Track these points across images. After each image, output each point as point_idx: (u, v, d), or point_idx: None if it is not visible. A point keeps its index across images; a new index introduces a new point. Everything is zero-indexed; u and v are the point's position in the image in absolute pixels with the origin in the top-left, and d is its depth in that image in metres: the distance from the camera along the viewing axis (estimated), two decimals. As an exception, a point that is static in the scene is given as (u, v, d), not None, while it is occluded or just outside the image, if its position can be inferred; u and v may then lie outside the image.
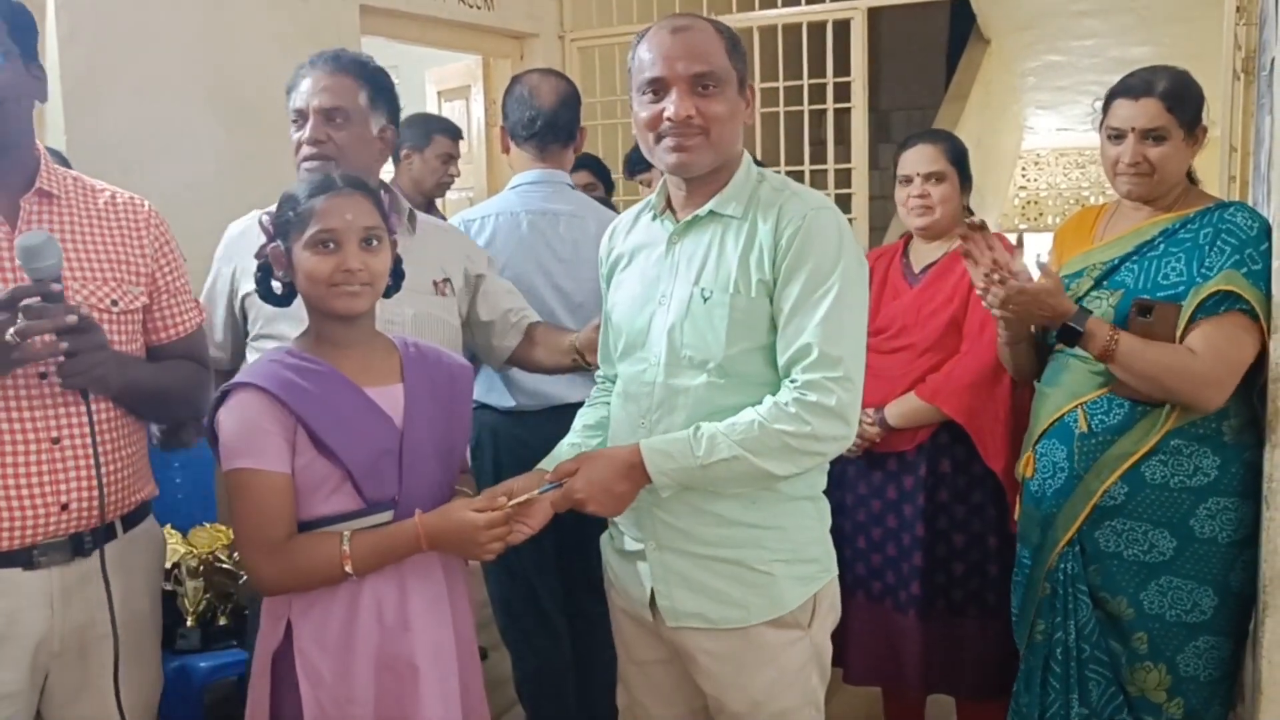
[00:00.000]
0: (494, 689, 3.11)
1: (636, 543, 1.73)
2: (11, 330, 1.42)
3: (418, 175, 3.49)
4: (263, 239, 1.67)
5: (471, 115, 4.48)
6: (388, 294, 1.71)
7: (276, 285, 1.68)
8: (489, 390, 2.54)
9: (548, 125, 2.54)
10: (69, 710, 1.67)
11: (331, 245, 1.58)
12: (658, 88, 1.62)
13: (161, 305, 1.75)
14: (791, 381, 1.57)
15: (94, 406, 1.59)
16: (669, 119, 1.61)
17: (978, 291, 2.14)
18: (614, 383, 1.85)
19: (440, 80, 4.66)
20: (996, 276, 2.05)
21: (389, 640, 1.59)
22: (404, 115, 3.42)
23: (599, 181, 3.55)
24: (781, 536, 1.67)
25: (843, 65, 3.97)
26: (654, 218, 1.75)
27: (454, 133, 3.58)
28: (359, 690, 1.57)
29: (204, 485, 2.90)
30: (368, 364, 1.65)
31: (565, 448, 1.83)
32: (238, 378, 1.59)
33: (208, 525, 2.76)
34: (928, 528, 2.45)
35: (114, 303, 1.65)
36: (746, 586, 1.66)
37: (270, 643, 1.61)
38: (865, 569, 2.54)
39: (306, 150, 1.98)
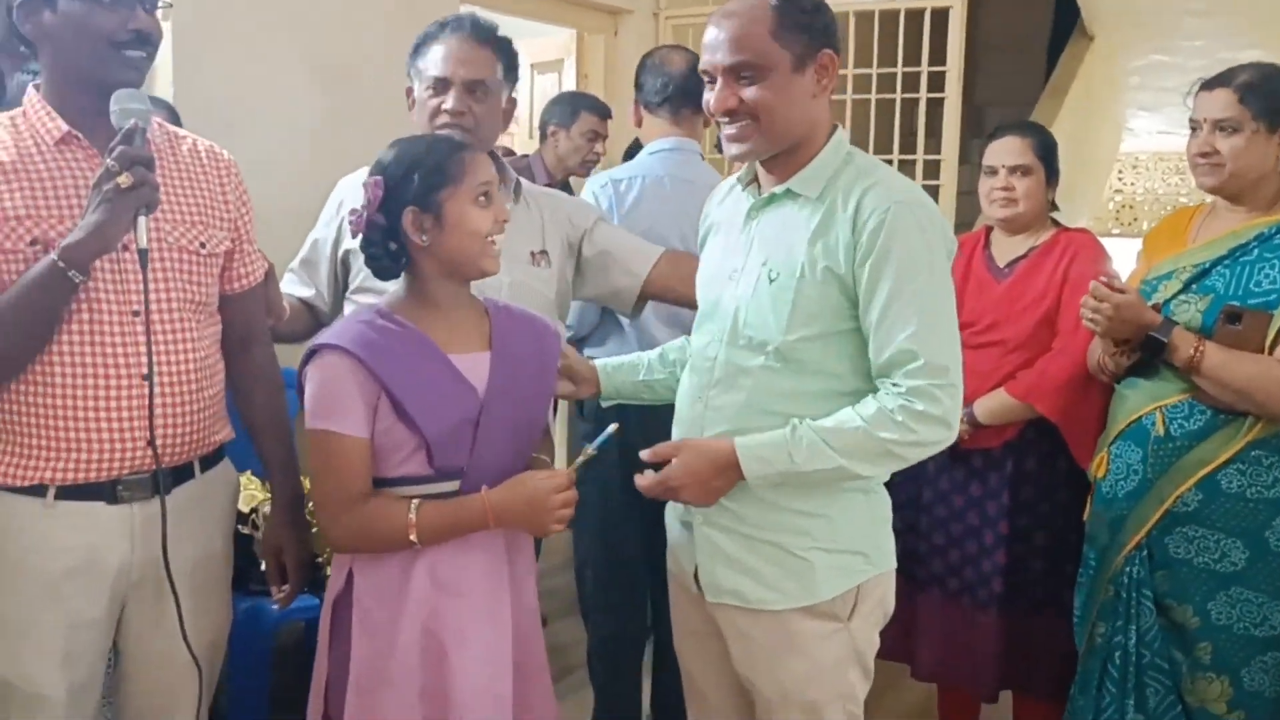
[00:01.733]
0: (550, 657, 3.17)
1: (688, 514, 1.75)
2: (126, 174, 1.46)
3: (563, 152, 3.53)
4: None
5: (563, 88, 4.51)
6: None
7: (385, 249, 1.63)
8: (616, 351, 2.54)
9: (679, 90, 2.58)
10: (144, 642, 1.71)
11: (486, 199, 1.62)
12: (708, 78, 1.64)
13: (240, 254, 1.79)
14: (895, 386, 1.54)
15: (185, 347, 1.65)
16: (710, 111, 1.63)
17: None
18: None
19: (533, 53, 4.70)
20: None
21: (442, 604, 1.60)
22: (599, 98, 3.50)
23: None
24: (826, 525, 1.65)
25: (939, 55, 3.91)
26: (743, 189, 1.75)
27: (601, 110, 3.61)
28: (401, 648, 1.58)
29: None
30: (458, 329, 1.65)
31: (619, 365, 1.91)
32: (326, 337, 1.60)
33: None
34: (1011, 525, 2.43)
35: (202, 245, 1.69)
36: (783, 570, 1.66)
37: (334, 589, 1.66)
38: (942, 565, 2.53)
39: (445, 119, 1.98)
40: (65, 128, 1.59)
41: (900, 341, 1.54)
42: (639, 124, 2.70)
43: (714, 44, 1.61)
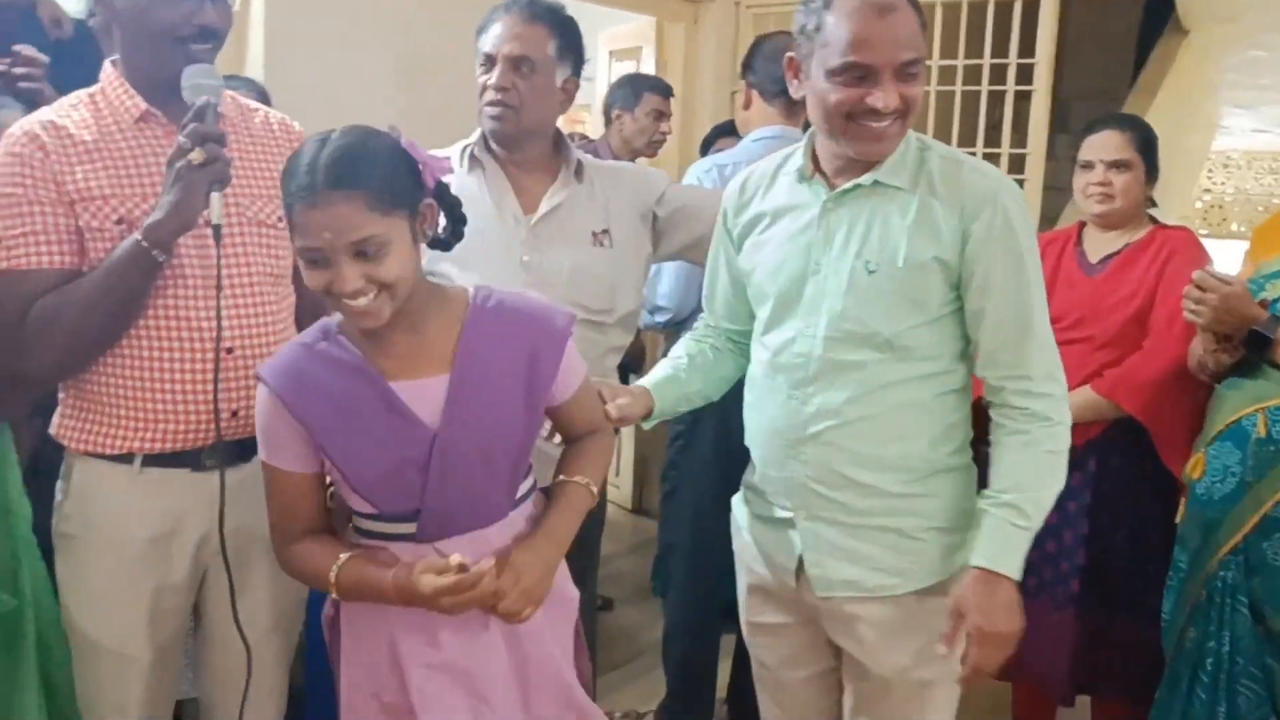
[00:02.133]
0: (616, 641, 3.19)
1: (786, 511, 1.72)
2: (198, 151, 1.50)
3: (628, 134, 3.53)
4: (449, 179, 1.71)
5: (642, 77, 4.50)
6: (446, 246, 1.58)
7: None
8: None
9: None
10: (223, 608, 1.71)
11: (320, 263, 1.38)
12: (863, 73, 1.53)
13: None
14: (1018, 394, 1.61)
15: (263, 319, 1.68)
16: (878, 109, 1.54)
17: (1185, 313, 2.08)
18: (718, 334, 1.89)
19: (612, 40, 4.70)
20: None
21: (409, 659, 1.50)
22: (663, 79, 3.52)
23: None
24: (935, 505, 1.66)
25: (1028, 47, 3.83)
26: (799, 180, 1.71)
27: (665, 90, 3.61)
28: (380, 684, 1.53)
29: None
30: (421, 348, 1.47)
31: (663, 380, 1.84)
32: (264, 364, 1.49)
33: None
34: (1092, 525, 2.38)
35: (279, 219, 1.69)
36: (900, 554, 1.66)
37: (327, 609, 1.62)
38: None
39: (490, 95, 2.01)
40: (144, 105, 1.61)
41: (1024, 347, 1.60)
42: (747, 106, 2.69)
43: (883, 38, 1.52)
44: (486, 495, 1.51)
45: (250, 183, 1.70)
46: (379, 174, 1.37)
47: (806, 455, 1.67)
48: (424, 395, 1.46)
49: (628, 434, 4.47)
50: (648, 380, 1.84)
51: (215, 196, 1.52)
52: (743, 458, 1.84)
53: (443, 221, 1.54)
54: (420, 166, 1.45)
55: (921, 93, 1.57)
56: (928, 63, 3.95)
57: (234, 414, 1.65)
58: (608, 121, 3.55)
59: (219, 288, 1.59)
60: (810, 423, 1.66)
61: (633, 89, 3.56)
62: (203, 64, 1.55)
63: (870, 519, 1.66)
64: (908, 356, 1.62)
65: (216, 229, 1.53)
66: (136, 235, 1.51)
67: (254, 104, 1.79)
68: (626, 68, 4.58)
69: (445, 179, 1.51)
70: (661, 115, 3.56)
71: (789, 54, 1.65)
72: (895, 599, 1.67)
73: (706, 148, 3.67)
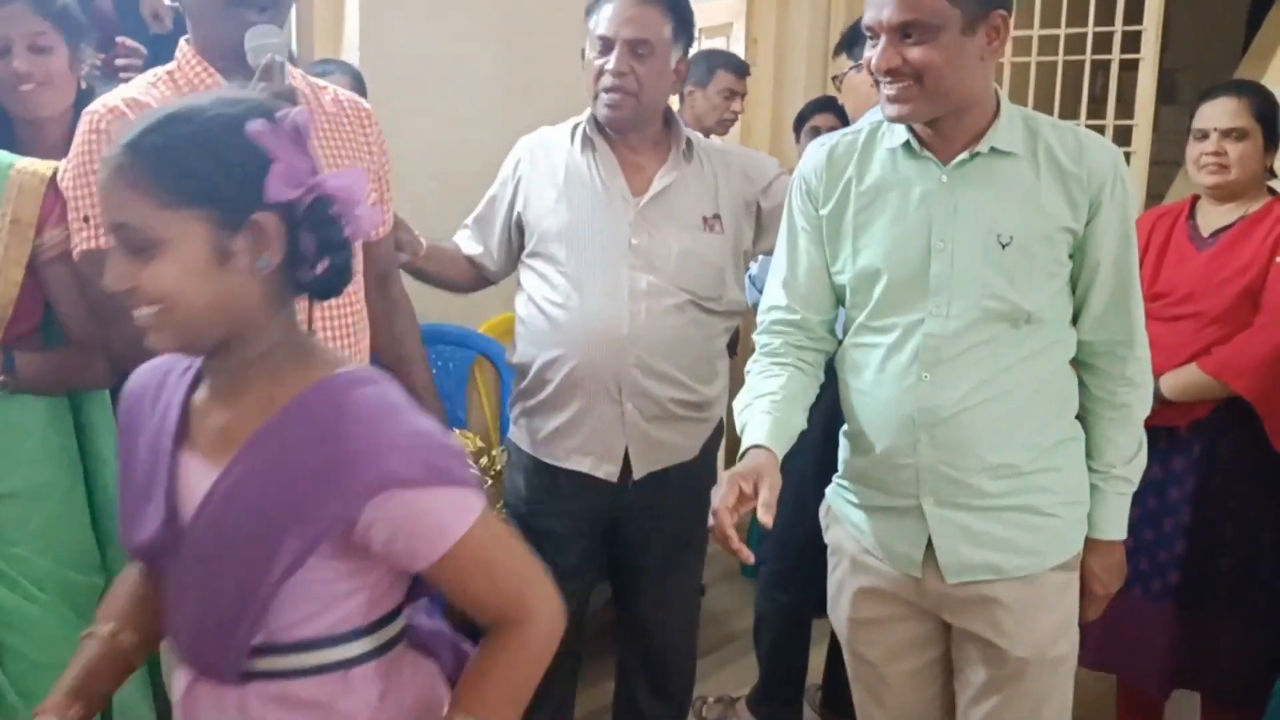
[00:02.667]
0: (708, 626, 3.17)
1: (908, 499, 1.68)
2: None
3: (700, 111, 3.50)
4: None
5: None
6: (322, 292, 1.15)
7: None
8: None
9: None
10: None
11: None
12: (871, 34, 1.56)
13: (381, 202, 1.82)
14: (1118, 360, 1.65)
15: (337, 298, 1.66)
16: (872, 70, 1.56)
17: None
18: (799, 330, 1.76)
19: (702, 17, 4.64)
20: None
21: None
22: (737, 55, 3.51)
23: (842, 125, 3.47)
24: (1060, 478, 1.66)
25: (1134, 14, 3.69)
26: (905, 155, 1.65)
27: (738, 68, 3.56)
28: None
29: (452, 393, 3.06)
30: (223, 421, 1.12)
31: (775, 432, 1.65)
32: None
33: (456, 431, 2.93)
34: (1195, 514, 2.28)
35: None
36: (1036, 533, 1.64)
37: None
38: None
39: (608, 81, 1.99)
40: (218, 78, 1.61)
41: (1121, 316, 1.63)
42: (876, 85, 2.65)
43: (879, 0, 1.53)
44: (206, 637, 1.12)
45: (325, 158, 1.68)
46: (174, 159, 1.04)
47: (939, 439, 1.62)
48: (202, 477, 1.11)
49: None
50: (761, 437, 1.67)
51: None
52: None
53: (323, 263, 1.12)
54: (274, 166, 1.06)
55: (939, 57, 1.51)
56: (1027, 32, 3.86)
57: None
58: (681, 97, 3.52)
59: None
60: (943, 405, 1.61)
61: (706, 65, 3.51)
62: (264, 25, 1.52)
63: (1004, 499, 1.63)
64: (1039, 329, 1.61)
65: None
66: None
67: (322, 82, 1.80)
68: (716, 45, 4.53)
69: (334, 192, 1.10)
70: (733, 94, 3.51)
71: None
72: (1031, 578, 1.65)
73: (801, 124, 3.62)
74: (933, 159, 1.63)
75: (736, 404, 1.77)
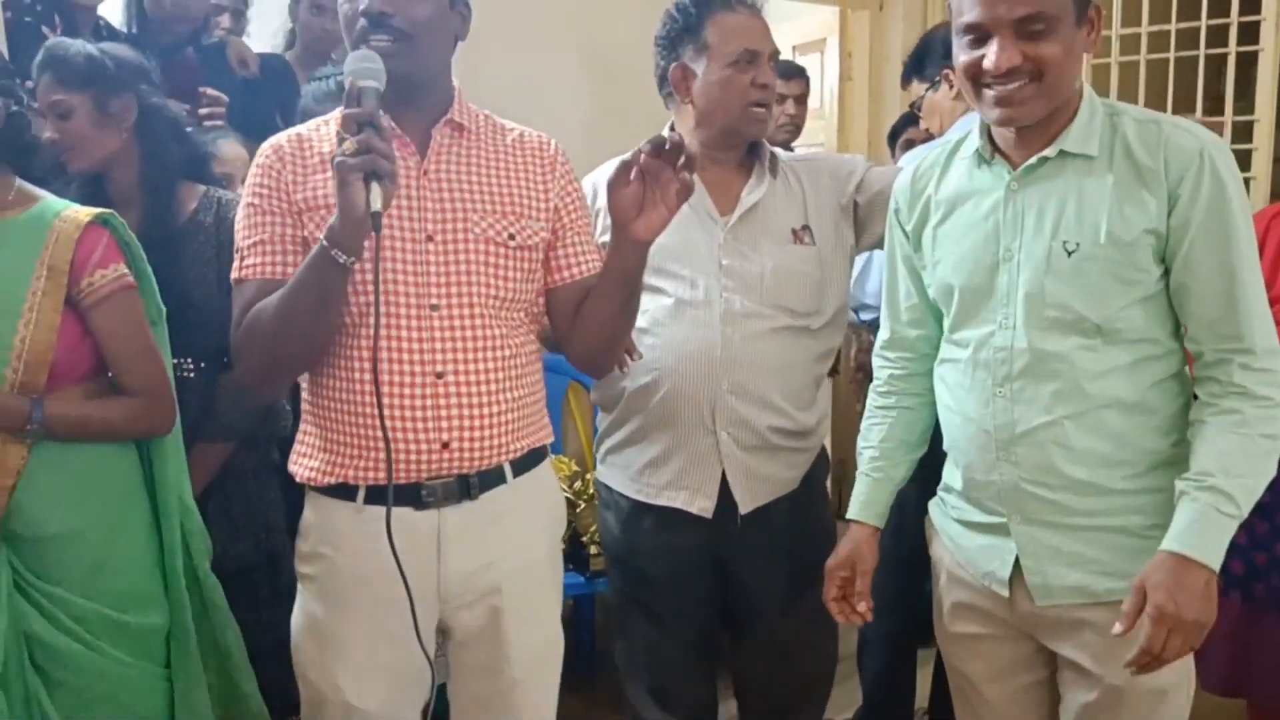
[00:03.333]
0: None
1: (997, 516, 1.62)
2: (351, 140, 1.36)
3: None
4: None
5: (825, 69, 4.40)
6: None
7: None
8: None
9: None
10: (463, 654, 1.66)
11: None
12: (977, 33, 1.47)
13: (563, 245, 1.67)
14: (1232, 368, 1.47)
15: (484, 344, 1.56)
16: (988, 70, 1.46)
17: None
18: (906, 352, 1.76)
19: (796, 32, 4.61)
20: None
21: None
22: (784, 60, 3.49)
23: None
24: (1158, 500, 1.52)
25: (1251, 3, 3.50)
26: (978, 164, 1.60)
27: (784, 71, 3.49)
28: None
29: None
30: None
31: (871, 501, 1.75)
32: None
33: (551, 456, 2.93)
34: None
35: (510, 236, 1.59)
36: (1128, 555, 1.53)
37: None
38: (1244, 567, 2.25)
39: (760, 95, 1.95)
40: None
41: (1236, 321, 1.47)
42: (957, 96, 2.59)
43: None
44: None
45: (486, 198, 1.59)
46: None
47: (1018, 455, 1.56)
48: None
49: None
50: (857, 509, 1.73)
51: (375, 188, 1.36)
52: (944, 461, 1.75)
53: None
54: None
55: (1058, 52, 1.45)
56: (1135, 30, 3.70)
57: (444, 445, 1.54)
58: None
59: (376, 282, 1.44)
60: (1020, 421, 1.55)
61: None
62: (366, 51, 1.45)
63: (1093, 519, 1.54)
64: (1118, 340, 1.51)
65: (376, 216, 1.36)
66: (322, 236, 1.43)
67: (510, 124, 1.70)
68: (810, 62, 4.48)
69: None
70: (783, 98, 3.45)
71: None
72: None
73: (895, 138, 3.55)
74: (1004, 165, 1.58)
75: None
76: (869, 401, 1.83)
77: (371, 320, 1.47)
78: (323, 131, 1.60)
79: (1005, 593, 1.62)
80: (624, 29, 3.26)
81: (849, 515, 1.77)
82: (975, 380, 1.60)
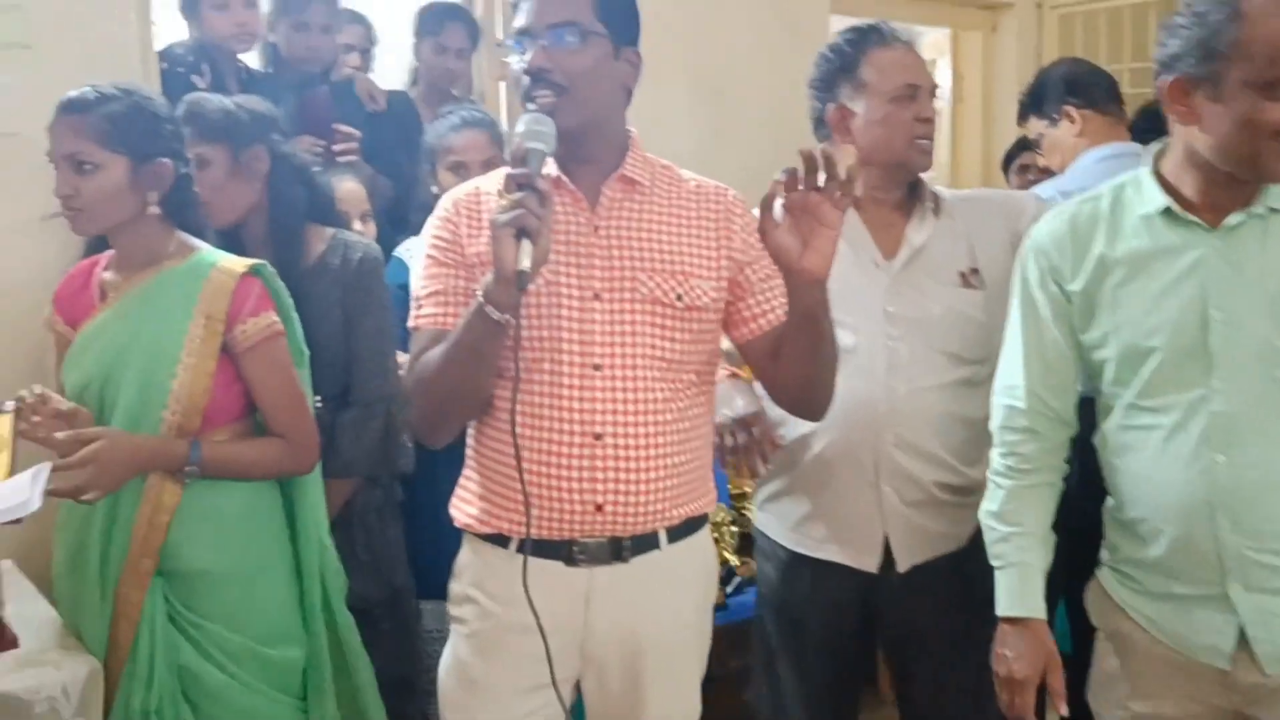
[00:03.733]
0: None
1: (1206, 587, 1.54)
2: (506, 198, 1.37)
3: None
4: None
5: (937, 90, 4.35)
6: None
7: None
8: None
9: (1116, 91, 2.57)
10: (604, 713, 1.64)
11: None
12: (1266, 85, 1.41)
13: (751, 296, 1.62)
14: None
15: (646, 406, 1.53)
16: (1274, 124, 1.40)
17: None
18: (1049, 423, 1.66)
19: (905, 55, 4.57)
20: None
21: None
22: None
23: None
24: None
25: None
26: (1167, 221, 1.53)
27: None
28: None
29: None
30: None
31: (1027, 593, 1.64)
32: None
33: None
34: None
35: (679, 297, 1.55)
36: None
37: None
38: None
39: (919, 129, 1.90)
40: (555, 171, 1.55)
41: None
42: (1081, 133, 2.61)
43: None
44: None
45: (659, 259, 1.56)
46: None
47: (1243, 522, 1.49)
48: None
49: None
50: (1033, 609, 1.65)
51: (525, 245, 1.36)
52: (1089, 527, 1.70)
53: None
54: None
55: None
56: None
57: (598, 508, 1.52)
58: None
59: (516, 343, 1.46)
60: (1244, 487, 1.49)
61: None
62: (537, 114, 1.46)
63: None
64: None
65: (522, 275, 1.36)
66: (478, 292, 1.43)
67: (688, 174, 1.66)
68: (919, 83, 4.44)
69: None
70: None
71: (1171, 77, 1.50)
72: None
73: (1009, 162, 3.49)
74: (1199, 223, 1.53)
75: (983, 514, 1.72)
76: (998, 480, 1.71)
77: (535, 377, 1.50)
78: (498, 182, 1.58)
79: (1226, 665, 1.55)
80: (734, 56, 3.28)
81: (1018, 613, 1.64)
82: (1182, 446, 1.53)
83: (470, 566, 1.63)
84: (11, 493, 1.53)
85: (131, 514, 1.74)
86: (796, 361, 1.56)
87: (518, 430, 1.48)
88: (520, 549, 1.53)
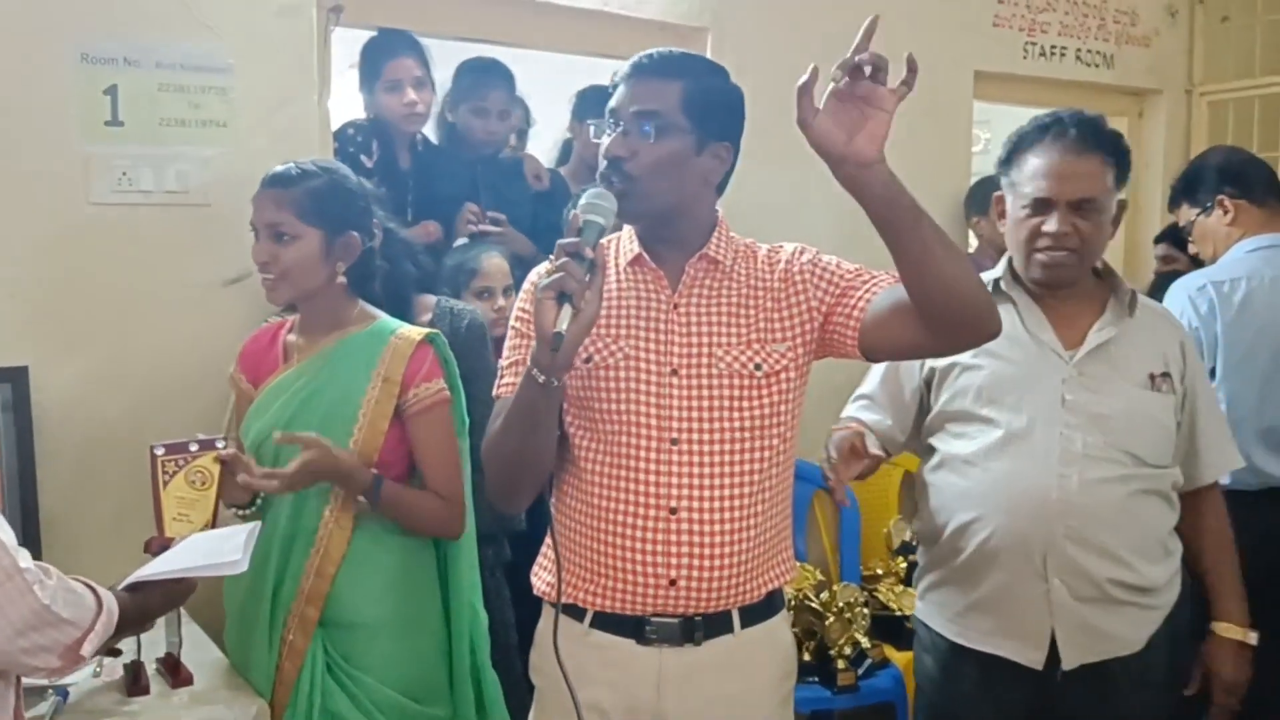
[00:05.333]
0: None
1: None
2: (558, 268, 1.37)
3: (989, 237, 3.45)
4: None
5: (1079, 177, 4.30)
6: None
7: None
8: None
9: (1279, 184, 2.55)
10: None
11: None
12: None
13: (842, 304, 1.56)
14: None
15: (724, 480, 1.53)
16: None
17: None
18: None
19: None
20: None
21: None
22: None
23: (1181, 255, 3.24)
24: None
25: None
26: None
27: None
28: None
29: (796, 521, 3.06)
30: None
31: None
32: None
33: (798, 564, 2.93)
34: None
35: (757, 366, 1.55)
36: None
37: None
38: None
39: (1046, 242, 1.84)
40: (637, 249, 1.59)
41: None
42: (1233, 222, 2.59)
43: None
44: None
45: (731, 330, 1.56)
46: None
47: None
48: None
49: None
50: None
51: (566, 309, 1.36)
52: None
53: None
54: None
55: None
56: None
57: (672, 582, 1.52)
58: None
59: (548, 405, 1.46)
60: None
61: (981, 193, 3.46)
62: (600, 189, 1.47)
63: None
64: None
65: (557, 336, 1.35)
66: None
67: (762, 247, 1.65)
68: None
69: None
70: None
71: None
72: None
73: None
74: None
75: None
76: None
77: (612, 450, 1.53)
78: None
79: None
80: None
81: None
82: None
83: (547, 635, 1.59)
84: (223, 546, 1.58)
85: (302, 563, 1.84)
86: (908, 259, 1.39)
87: (599, 501, 1.54)
88: (595, 623, 1.57)
